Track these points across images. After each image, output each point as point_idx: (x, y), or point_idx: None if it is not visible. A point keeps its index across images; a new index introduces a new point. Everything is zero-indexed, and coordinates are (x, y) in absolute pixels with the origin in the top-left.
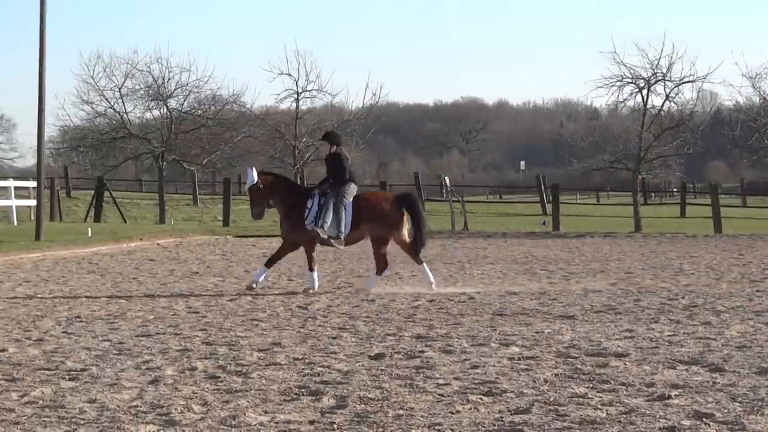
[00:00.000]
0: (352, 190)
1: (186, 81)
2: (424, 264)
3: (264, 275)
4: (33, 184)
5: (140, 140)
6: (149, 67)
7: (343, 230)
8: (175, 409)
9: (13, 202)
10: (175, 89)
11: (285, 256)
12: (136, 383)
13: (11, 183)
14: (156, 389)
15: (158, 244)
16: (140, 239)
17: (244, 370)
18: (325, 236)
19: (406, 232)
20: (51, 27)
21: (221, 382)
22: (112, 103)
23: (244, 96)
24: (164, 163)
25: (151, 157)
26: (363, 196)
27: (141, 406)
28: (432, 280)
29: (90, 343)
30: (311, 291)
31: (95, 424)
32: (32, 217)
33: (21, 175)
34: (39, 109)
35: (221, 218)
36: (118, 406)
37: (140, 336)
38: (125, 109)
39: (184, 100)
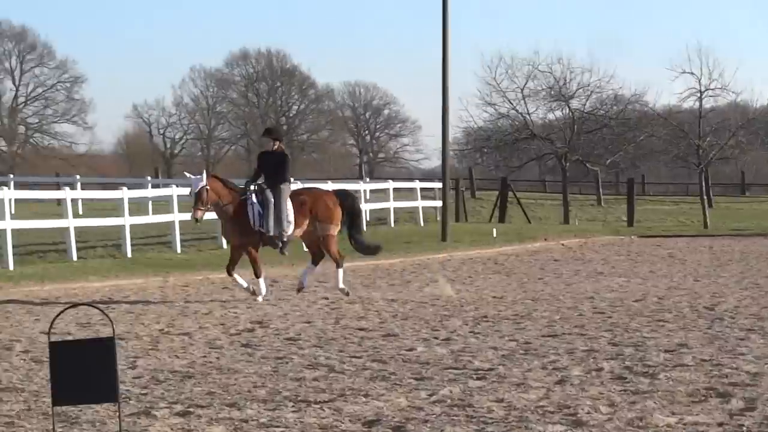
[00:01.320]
0: (289, 188)
1: (587, 81)
2: (341, 270)
3: (243, 283)
4: (438, 185)
5: (543, 141)
6: (551, 68)
7: (286, 231)
8: (582, 409)
9: (420, 204)
10: (576, 90)
11: (238, 260)
12: (543, 383)
13: (417, 184)
14: (563, 389)
15: (563, 245)
16: (545, 239)
17: (650, 371)
18: (277, 237)
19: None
20: (453, 29)
21: (628, 382)
22: (515, 105)
23: (646, 95)
24: (567, 164)
25: (554, 157)
26: (304, 192)
27: (548, 406)
28: (342, 285)
29: (497, 342)
30: (259, 299)
31: (503, 423)
32: (438, 218)
33: (426, 176)
34: (443, 111)
35: (625, 218)
36: (525, 406)
37: (546, 336)
38: (527, 110)
39: (586, 101)
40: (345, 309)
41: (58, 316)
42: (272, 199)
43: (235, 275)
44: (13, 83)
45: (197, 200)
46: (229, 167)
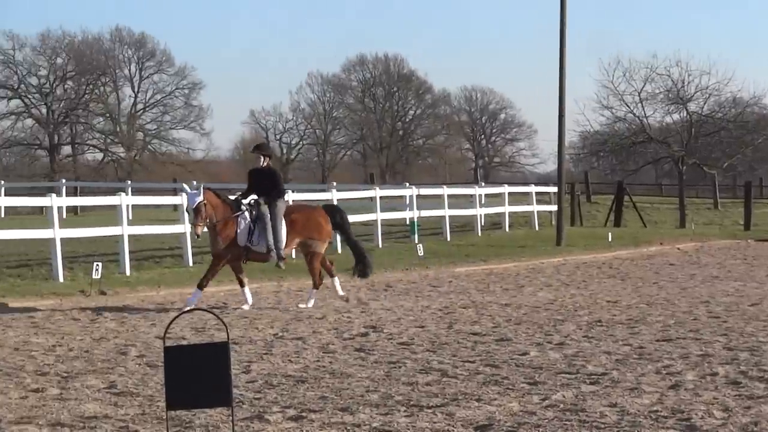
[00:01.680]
0: (284, 205)
1: (706, 84)
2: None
3: (198, 298)
4: (554, 189)
5: (660, 144)
6: (668, 71)
7: (282, 246)
8: (696, 414)
9: (535, 208)
10: (695, 92)
11: (217, 273)
12: (657, 388)
13: (532, 189)
14: (676, 394)
15: (678, 249)
16: (660, 243)
17: (766, 376)
18: (274, 252)
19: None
20: (570, 33)
21: (743, 387)
22: (632, 108)
23: (765, 98)
24: (684, 167)
25: (671, 161)
26: (295, 209)
27: (661, 411)
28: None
29: (610, 347)
30: (245, 307)
31: (615, 428)
32: (553, 222)
33: (541, 180)
34: (559, 115)
35: (742, 222)
36: (639, 411)
37: (661, 341)
38: (644, 114)
39: (704, 103)
40: (458, 314)
41: (173, 320)
42: (268, 215)
43: (245, 289)
44: (133, 90)
45: (197, 215)
46: (344, 172)
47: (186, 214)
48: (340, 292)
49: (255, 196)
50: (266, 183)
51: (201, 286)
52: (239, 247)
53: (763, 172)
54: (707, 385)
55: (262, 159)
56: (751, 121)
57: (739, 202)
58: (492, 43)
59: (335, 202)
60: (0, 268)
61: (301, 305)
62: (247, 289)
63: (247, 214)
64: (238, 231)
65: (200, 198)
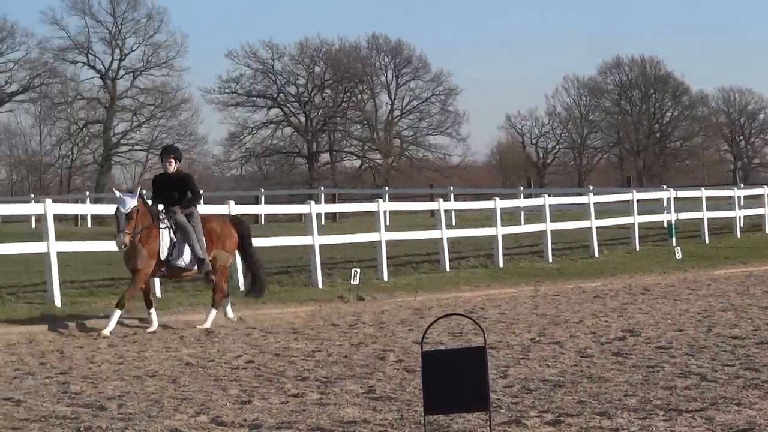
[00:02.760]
0: (199, 214)
1: None
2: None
3: (116, 319)
4: None
5: None
6: None
7: (204, 256)
8: None
9: None
10: None
11: (141, 289)
12: None
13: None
14: None
15: None
16: None
17: None
18: (194, 266)
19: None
20: None
21: None
22: None
23: None
24: None
25: None
26: (211, 218)
27: None
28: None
29: None
30: (151, 330)
31: None
32: None
33: None
34: None
35: None
36: None
37: None
38: None
39: None
40: (717, 317)
41: (431, 325)
42: (190, 225)
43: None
44: (389, 97)
45: (127, 222)
46: (601, 176)
47: (116, 220)
48: (230, 314)
49: (162, 206)
50: (178, 189)
51: (121, 305)
52: (159, 261)
53: None
54: None
55: (172, 163)
56: None
57: None
58: (750, 43)
59: (591, 204)
60: None
61: (201, 326)
62: (154, 311)
63: (167, 228)
64: (162, 244)
65: (134, 204)
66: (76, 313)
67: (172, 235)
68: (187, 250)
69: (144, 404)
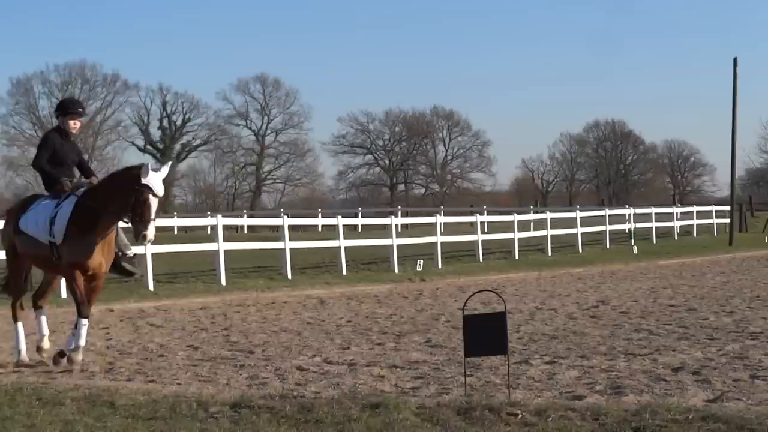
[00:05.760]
0: None
1: None
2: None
3: (85, 331)
4: (727, 208)
5: None
6: None
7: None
8: None
9: (714, 221)
10: None
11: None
12: None
13: (713, 208)
14: None
15: None
16: None
17: None
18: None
19: None
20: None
21: None
22: None
23: None
24: None
25: None
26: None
27: None
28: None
29: (766, 314)
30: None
31: None
32: (726, 230)
33: (719, 202)
34: (732, 156)
35: None
36: None
37: None
38: None
39: None
40: (660, 292)
41: (469, 298)
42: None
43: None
44: (444, 147)
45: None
46: (584, 199)
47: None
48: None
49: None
50: (79, 158)
51: (86, 315)
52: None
53: None
54: None
55: (77, 124)
56: None
57: None
58: (693, 109)
59: (578, 218)
60: (357, 264)
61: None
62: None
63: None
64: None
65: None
66: (234, 289)
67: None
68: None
69: (279, 349)
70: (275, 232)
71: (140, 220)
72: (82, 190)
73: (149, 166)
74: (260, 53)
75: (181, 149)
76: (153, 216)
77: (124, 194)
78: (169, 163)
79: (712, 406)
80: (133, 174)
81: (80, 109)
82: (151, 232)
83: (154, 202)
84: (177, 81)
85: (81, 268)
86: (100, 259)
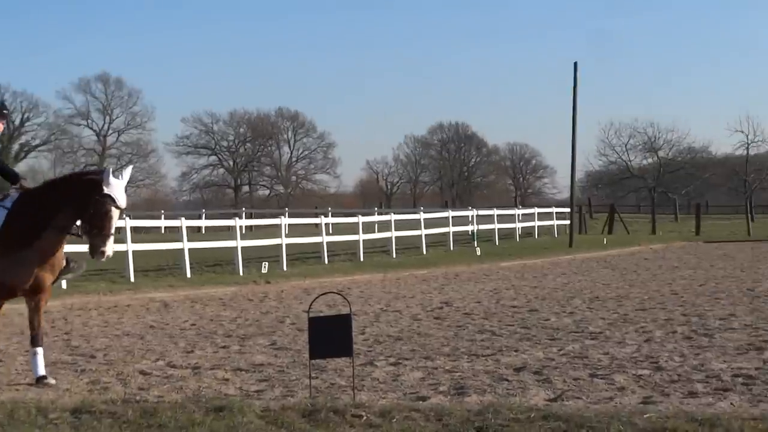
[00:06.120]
0: None
1: (670, 138)
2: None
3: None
4: (567, 210)
5: (639, 179)
6: (645, 130)
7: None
8: (662, 359)
9: (555, 222)
10: (662, 144)
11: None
12: (635, 341)
13: (553, 210)
14: (649, 346)
15: (651, 249)
16: (639, 245)
17: (709, 333)
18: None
19: None
20: (581, 101)
21: (693, 340)
22: (620, 155)
23: (710, 147)
24: (655, 194)
25: (646, 189)
26: None
27: (639, 357)
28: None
29: (604, 314)
30: None
31: (608, 368)
32: (567, 232)
33: (559, 204)
34: (572, 160)
35: (693, 230)
36: (623, 357)
37: (638, 310)
38: (629, 158)
39: (669, 151)
40: (503, 293)
41: (314, 300)
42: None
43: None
44: (289, 148)
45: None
46: (428, 200)
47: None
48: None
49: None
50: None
51: (40, 344)
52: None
53: (709, 196)
54: (670, 339)
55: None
56: (701, 163)
57: (692, 216)
58: (534, 111)
59: (422, 219)
60: (201, 266)
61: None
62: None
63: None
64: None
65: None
66: (75, 293)
67: None
68: None
69: (121, 354)
70: (117, 234)
71: (99, 233)
72: (9, 198)
73: (110, 171)
74: (103, 52)
75: (19, 149)
76: (113, 230)
77: (80, 205)
78: (130, 167)
79: (553, 405)
80: (93, 181)
81: (5, 111)
82: (110, 248)
83: (116, 215)
84: (15, 80)
85: (9, 290)
86: (41, 275)
